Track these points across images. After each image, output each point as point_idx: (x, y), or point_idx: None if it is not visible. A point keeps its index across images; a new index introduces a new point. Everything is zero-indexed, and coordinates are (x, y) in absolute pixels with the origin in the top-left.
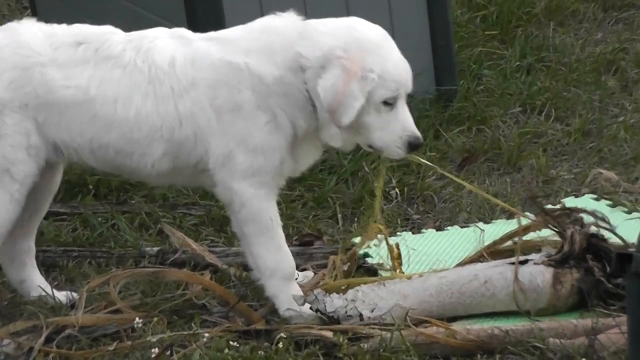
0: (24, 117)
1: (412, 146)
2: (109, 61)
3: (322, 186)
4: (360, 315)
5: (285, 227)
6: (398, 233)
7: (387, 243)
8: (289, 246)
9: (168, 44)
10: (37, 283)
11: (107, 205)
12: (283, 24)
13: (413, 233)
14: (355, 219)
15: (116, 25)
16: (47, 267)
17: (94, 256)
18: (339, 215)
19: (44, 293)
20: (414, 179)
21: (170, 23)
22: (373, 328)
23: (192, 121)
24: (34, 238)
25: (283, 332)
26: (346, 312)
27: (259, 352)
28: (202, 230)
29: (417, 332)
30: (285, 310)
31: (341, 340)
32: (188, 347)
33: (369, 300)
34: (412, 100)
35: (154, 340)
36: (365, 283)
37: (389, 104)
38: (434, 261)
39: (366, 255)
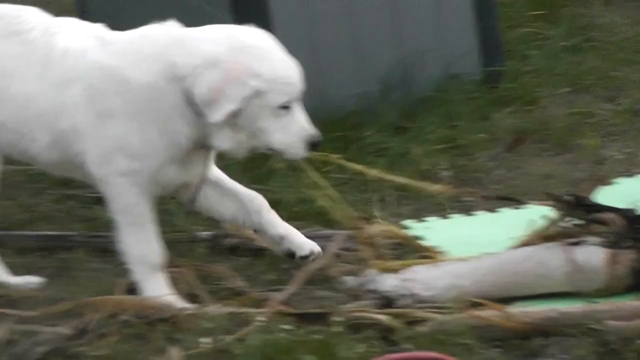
0: None
1: (312, 144)
2: (16, 37)
3: (371, 169)
4: (415, 294)
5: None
6: (448, 215)
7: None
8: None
9: (73, 33)
10: None
11: None
12: (158, 32)
13: (464, 215)
14: (404, 201)
15: (156, 12)
16: (100, 252)
17: None
18: (390, 198)
19: None
20: (464, 160)
21: (213, 7)
22: (429, 311)
23: (71, 116)
24: None
25: (339, 316)
26: (400, 292)
27: (315, 335)
28: None
29: (472, 314)
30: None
31: (397, 323)
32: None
33: (423, 280)
34: (458, 81)
35: (207, 321)
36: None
37: (285, 107)
38: (485, 243)
39: (419, 237)
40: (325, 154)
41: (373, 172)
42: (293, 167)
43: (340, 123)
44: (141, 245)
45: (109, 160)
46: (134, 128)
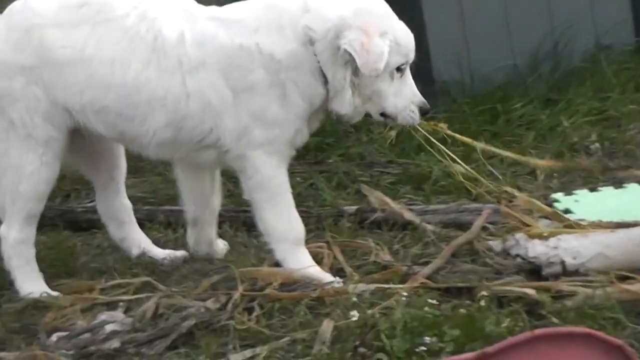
0: (30, 81)
1: (423, 111)
2: (109, 23)
3: (519, 142)
4: (563, 262)
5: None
6: (599, 188)
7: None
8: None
9: (175, 18)
10: (137, 240)
11: (305, 165)
12: (284, 2)
13: (615, 188)
14: (554, 174)
15: None
16: (248, 227)
17: None
18: (538, 171)
19: (144, 250)
20: (614, 132)
21: None
22: (576, 285)
23: (201, 98)
24: (125, 195)
25: (485, 290)
26: (548, 258)
27: (460, 310)
28: (400, 188)
29: (622, 288)
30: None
31: (544, 297)
32: (387, 304)
33: (571, 248)
34: (610, 52)
35: (355, 295)
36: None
37: (400, 70)
38: (637, 216)
39: (567, 211)
40: (434, 123)
41: (480, 145)
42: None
43: (488, 95)
44: (282, 221)
45: (247, 132)
46: (275, 97)
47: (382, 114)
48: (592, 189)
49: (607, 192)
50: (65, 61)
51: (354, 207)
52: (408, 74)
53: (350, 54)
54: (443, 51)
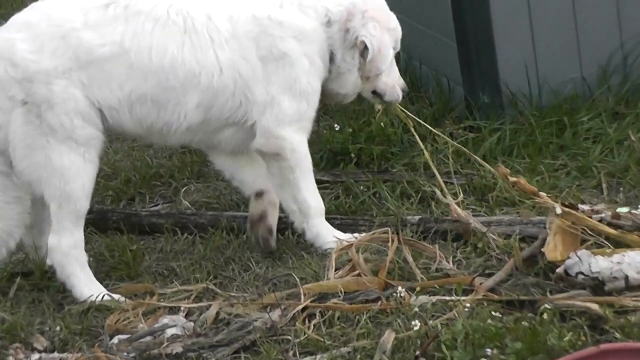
0: (69, 83)
1: (405, 91)
2: (140, 15)
3: (586, 155)
4: (626, 277)
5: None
6: None
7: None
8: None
9: (199, 3)
10: None
11: (369, 174)
12: None
13: None
14: (621, 189)
15: None
16: (298, 234)
17: (355, 224)
18: (604, 185)
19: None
20: None
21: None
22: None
23: (233, 70)
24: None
25: (547, 303)
26: (611, 273)
27: (523, 323)
28: (464, 199)
29: None
30: (329, 243)
31: (607, 312)
32: (449, 315)
33: (635, 262)
34: None
35: (416, 306)
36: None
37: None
38: None
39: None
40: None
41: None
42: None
43: (556, 107)
44: (315, 196)
45: (275, 104)
46: (304, 67)
47: (373, 92)
48: None
49: None
50: (106, 58)
51: (417, 217)
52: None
53: (365, 45)
54: (511, 62)
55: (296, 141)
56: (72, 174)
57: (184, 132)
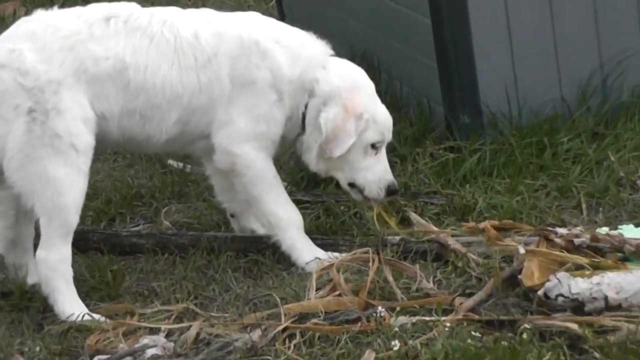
0: (77, 91)
1: (390, 191)
2: (138, 31)
3: (565, 175)
4: (606, 297)
5: (527, 217)
6: None
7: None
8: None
9: (191, 19)
10: (33, 268)
11: None
12: (318, 44)
13: None
14: (600, 209)
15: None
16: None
17: (336, 244)
18: (583, 205)
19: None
20: None
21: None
22: (619, 320)
23: (209, 89)
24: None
25: (527, 323)
26: (591, 294)
27: (503, 342)
28: (444, 219)
29: None
30: (307, 262)
31: (587, 332)
32: (429, 335)
33: (614, 283)
34: None
35: (396, 326)
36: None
37: (375, 147)
38: None
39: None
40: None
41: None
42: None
43: (536, 128)
44: (285, 209)
45: (230, 123)
46: (270, 99)
47: (351, 184)
48: (638, 224)
49: None
50: (109, 72)
51: (398, 237)
52: (383, 152)
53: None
54: (491, 83)
55: (251, 158)
56: (66, 186)
57: (163, 144)
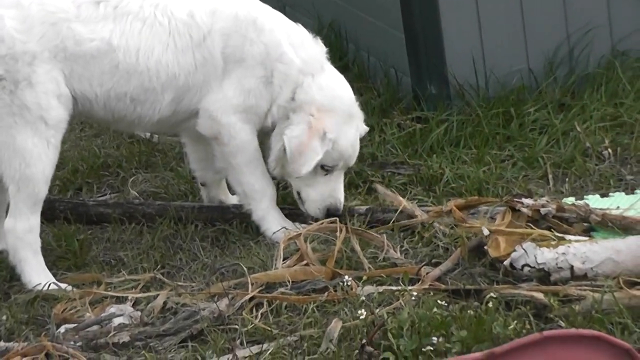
0: (53, 67)
1: (330, 213)
2: (129, 16)
3: (532, 146)
4: (572, 267)
5: (494, 187)
6: (610, 194)
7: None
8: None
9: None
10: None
11: None
12: (319, 51)
13: (626, 194)
14: (567, 179)
15: None
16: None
17: (303, 214)
18: (550, 176)
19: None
20: (627, 139)
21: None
22: (584, 289)
23: (204, 67)
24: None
25: (493, 292)
26: (557, 263)
27: (469, 311)
28: (411, 189)
29: (630, 294)
30: (275, 232)
31: (552, 301)
32: (395, 304)
33: (580, 253)
34: (626, 59)
35: (363, 295)
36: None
37: (325, 170)
38: None
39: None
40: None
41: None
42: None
43: (503, 99)
44: (261, 181)
45: (220, 91)
46: (259, 74)
47: (298, 194)
48: (604, 195)
49: (619, 198)
50: (93, 54)
51: (365, 207)
52: (337, 176)
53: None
54: (458, 54)
55: (236, 129)
56: (34, 157)
57: (154, 124)
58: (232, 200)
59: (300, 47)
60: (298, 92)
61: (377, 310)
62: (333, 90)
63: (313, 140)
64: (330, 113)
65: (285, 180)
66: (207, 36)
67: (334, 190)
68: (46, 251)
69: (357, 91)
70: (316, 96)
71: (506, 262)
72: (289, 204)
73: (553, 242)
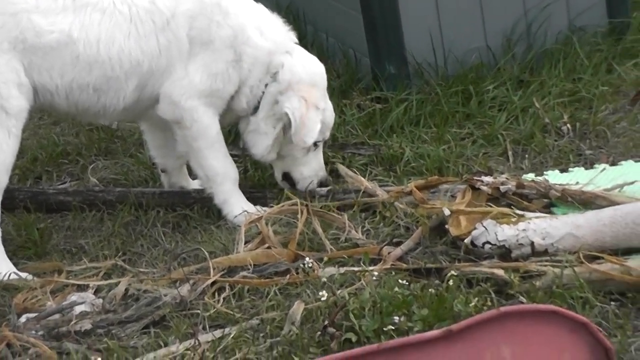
0: (12, 57)
1: (321, 183)
2: (87, 7)
3: (491, 123)
4: (532, 243)
5: (454, 165)
6: (570, 169)
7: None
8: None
9: None
10: None
11: None
12: (287, 30)
13: (586, 169)
14: (526, 155)
15: None
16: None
17: (264, 197)
18: (510, 152)
19: None
20: (586, 113)
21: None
22: (545, 265)
23: (168, 50)
24: None
25: (454, 270)
26: (517, 240)
27: (430, 290)
28: (372, 169)
29: (590, 268)
30: (236, 215)
31: (513, 277)
32: (357, 285)
33: (540, 229)
34: (583, 34)
35: (325, 277)
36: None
37: (316, 144)
38: None
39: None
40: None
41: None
42: None
43: (462, 77)
44: (222, 164)
45: (184, 77)
46: (227, 58)
47: (285, 175)
48: (563, 170)
49: (579, 173)
50: (52, 45)
51: (326, 189)
52: (320, 148)
53: (289, 117)
54: (416, 33)
55: (199, 112)
56: None
57: (120, 113)
58: (193, 185)
59: (268, 29)
60: (282, 73)
61: (339, 291)
62: (312, 66)
63: (310, 111)
64: (315, 87)
65: (259, 165)
66: (171, 19)
67: (321, 163)
68: (6, 241)
69: None
70: (302, 74)
71: (467, 240)
72: (250, 187)
73: (513, 219)
